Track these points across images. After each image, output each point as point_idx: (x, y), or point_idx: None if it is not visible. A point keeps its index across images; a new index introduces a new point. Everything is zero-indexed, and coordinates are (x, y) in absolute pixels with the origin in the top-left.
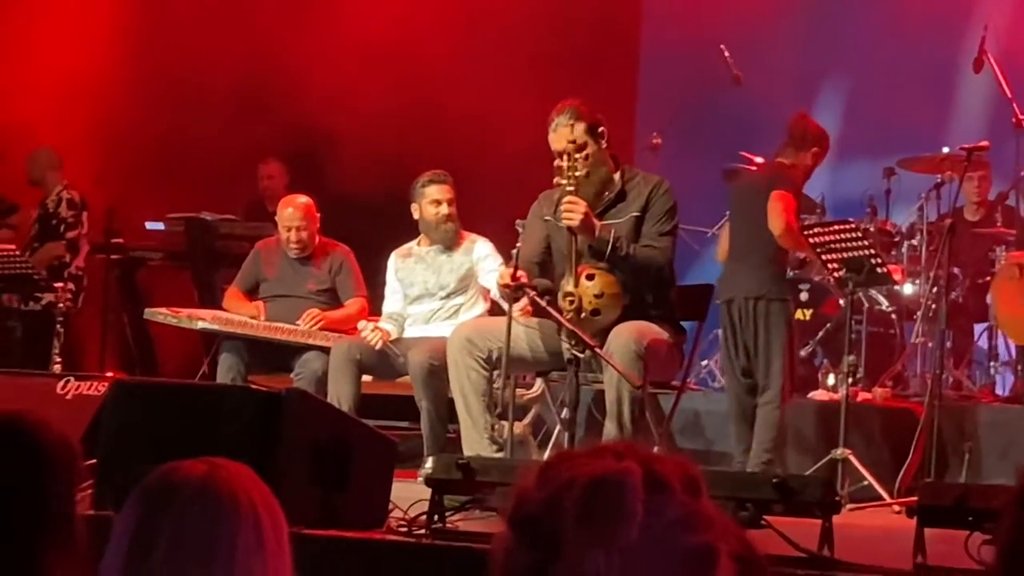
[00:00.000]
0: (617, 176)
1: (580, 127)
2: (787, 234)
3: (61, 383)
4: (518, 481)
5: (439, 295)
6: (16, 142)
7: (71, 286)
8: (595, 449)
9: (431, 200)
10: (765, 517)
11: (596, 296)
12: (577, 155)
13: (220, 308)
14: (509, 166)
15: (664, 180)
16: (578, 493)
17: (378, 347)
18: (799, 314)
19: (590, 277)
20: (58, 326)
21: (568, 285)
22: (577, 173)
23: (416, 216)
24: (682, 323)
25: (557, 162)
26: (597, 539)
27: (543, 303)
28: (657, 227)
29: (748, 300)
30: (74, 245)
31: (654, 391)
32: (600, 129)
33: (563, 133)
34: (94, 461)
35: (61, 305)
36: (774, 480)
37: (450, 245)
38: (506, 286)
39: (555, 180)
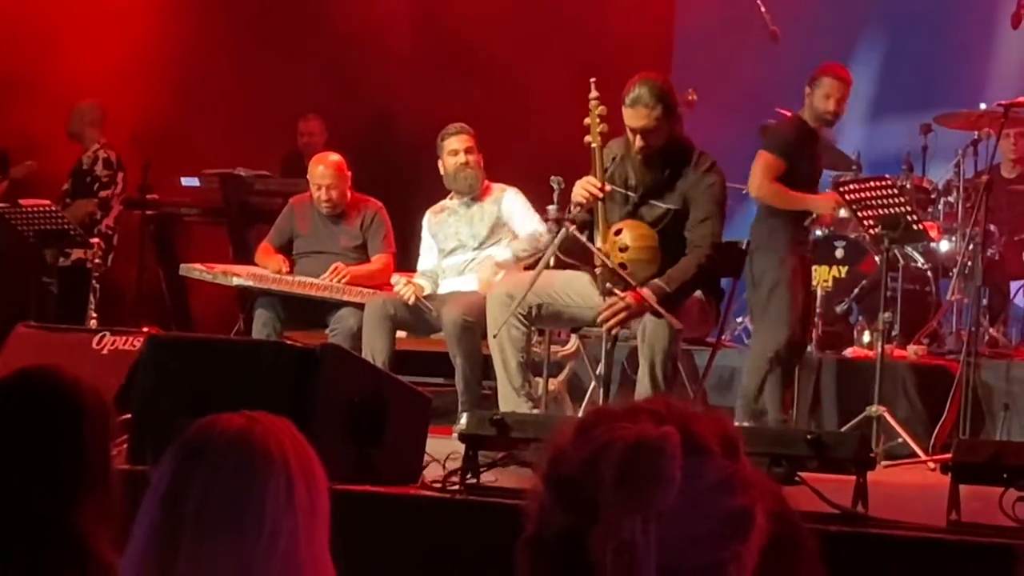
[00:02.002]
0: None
1: (657, 111)
2: (757, 194)
3: (97, 338)
4: (554, 438)
5: (471, 245)
6: (53, 96)
7: (101, 244)
8: (633, 408)
9: (450, 151)
10: (799, 473)
11: (621, 250)
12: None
13: (254, 264)
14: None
15: (713, 170)
16: (616, 458)
17: (411, 302)
18: (835, 271)
19: (618, 232)
20: (94, 282)
21: (598, 242)
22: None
23: (441, 172)
24: (719, 280)
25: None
26: (635, 505)
27: (583, 238)
28: (697, 214)
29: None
30: (106, 204)
31: (688, 348)
32: (677, 110)
33: (640, 113)
34: (129, 416)
35: (89, 265)
36: (808, 437)
37: (476, 195)
38: (547, 219)
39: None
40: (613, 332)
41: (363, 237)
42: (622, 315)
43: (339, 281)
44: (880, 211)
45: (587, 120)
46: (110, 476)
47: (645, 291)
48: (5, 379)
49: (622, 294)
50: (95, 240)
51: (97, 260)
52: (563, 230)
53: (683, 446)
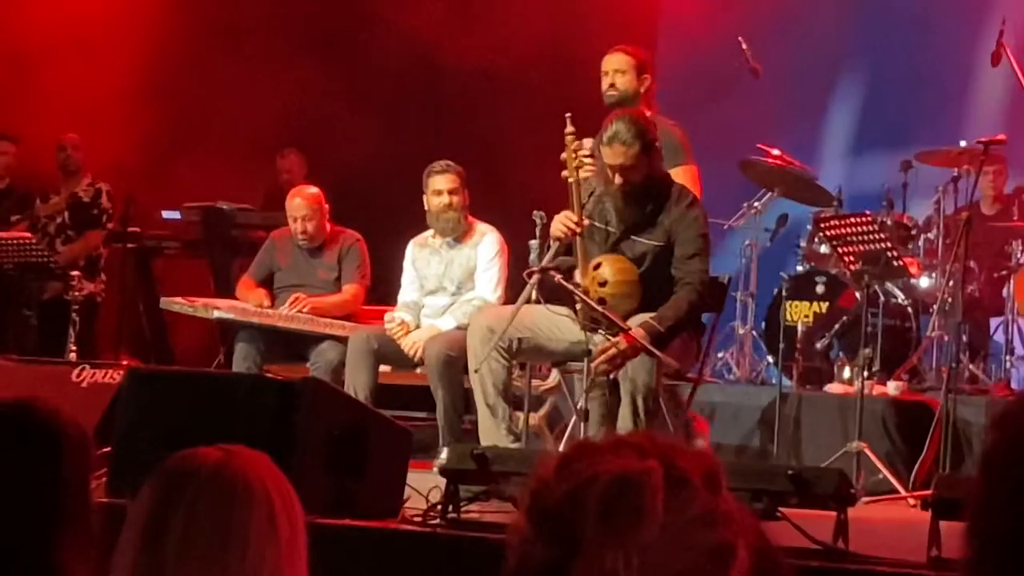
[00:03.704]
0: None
1: (635, 148)
2: None
3: (76, 371)
4: (537, 471)
5: (450, 290)
6: (33, 130)
7: (103, 277)
8: (616, 442)
9: (434, 190)
10: (780, 509)
11: (600, 284)
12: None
13: (235, 297)
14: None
15: (695, 204)
16: (599, 491)
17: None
18: (815, 306)
19: (597, 266)
20: (73, 315)
21: (578, 277)
22: (582, 171)
23: (425, 207)
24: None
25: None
26: (617, 539)
27: (570, 286)
28: (684, 250)
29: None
30: (110, 237)
31: (670, 383)
32: (656, 145)
33: (618, 151)
34: (109, 449)
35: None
36: (789, 472)
37: (458, 236)
38: (529, 273)
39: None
40: (611, 376)
41: (340, 269)
42: (616, 360)
43: (299, 311)
44: (861, 247)
45: (563, 155)
46: (89, 509)
47: (638, 331)
48: None
49: (614, 339)
50: (75, 273)
51: (102, 293)
52: (534, 280)
53: (666, 480)
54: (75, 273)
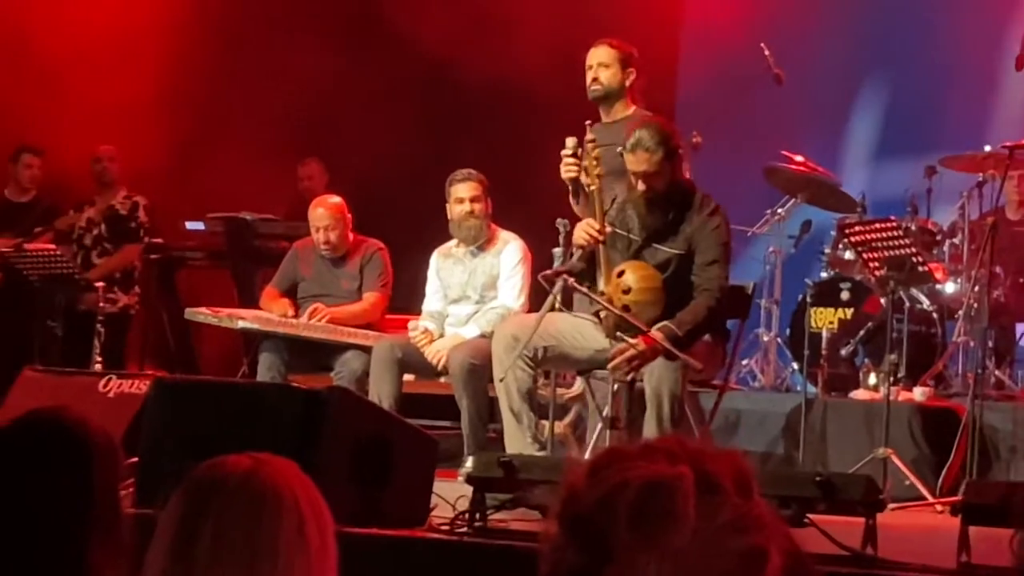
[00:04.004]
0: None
1: (659, 155)
2: None
3: (103, 381)
4: (567, 478)
5: (473, 298)
6: (57, 141)
7: (137, 289)
8: (646, 448)
9: (456, 199)
10: (808, 515)
11: (624, 292)
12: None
13: (259, 308)
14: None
15: (717, 213)
16: (630, 497)
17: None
18: (840, 313)
19: (620, 274)
20: (99, 326)
21: (601, 284)
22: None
23: (448, 216)
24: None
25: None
26: (649, 545)
27: (583, 290)
28: (704, 257)
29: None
30: (146, 249)
31: (694, 390)
32: (680, 152)
33: (641, 158)
34: (135, 459)
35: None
36: (818, 478)
37: (481, 244)
38: (544, 276)
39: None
40: (628, 377)
41: (362, 278)
42: (635, 361)
43: (318, 322)
44: (885, 253)
45: (584, 162)
46: (120, 518)
47: (656, 334)
48: (13, 421)
49: (633, 340)
50: (100, 284)
51: (103, 304)
52: (557, 287)
53: (697, 485)
54: (100, 285)
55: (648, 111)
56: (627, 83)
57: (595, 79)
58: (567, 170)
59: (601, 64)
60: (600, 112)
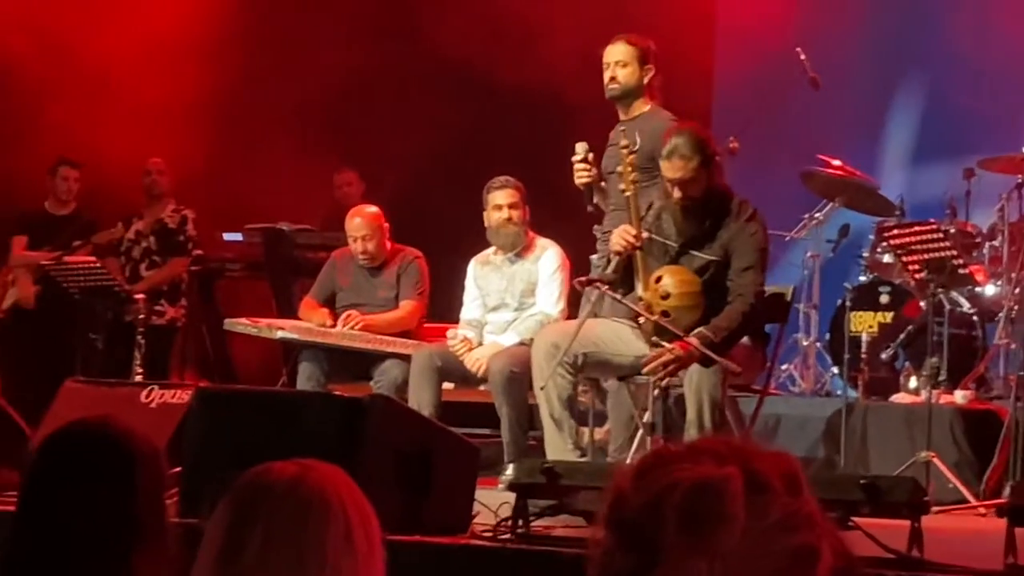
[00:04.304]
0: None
1: (694, 162)
2: None
3: (145, 392)
4: (615, 481)
5: (512, 305)
6: (96, 154)
7: (184, 302)
8: (693, 449)
9: (494, 205)
10: (852, 519)
11: (663, 297)
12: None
13: (298, 318)
14: None
15: (754, 219)
16: (679, 499)
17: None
18: (880, 316)
19: (658, 279)
20: (139, 338)
21: (639, 290)
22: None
23: (485, 224)
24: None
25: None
26: (699, 546)
27: (618, 297)
28: (739, 263)
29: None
30: (206, 267)
31: (735, 395)
32: (716, 159)
33: (677, 165)
34: (178, 469)
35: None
36: (862, 481)
37: (519, 251)
38: (578, 282)
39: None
40: (664, 382)
41: (398, 287)
42: (671, 367)
43: (352, 329)
44: (925, 256)
45: (619, 168)
46: (165, 526)
47: (692, 340)
48: (58, 430)
49: (669, 345)
50: (140, 296)
51: (142, 316)
52: (596, 296)
53: (745, 485)
54: (141, 296)
55: (666, 111)
56: (645, 80)
57: (613, 78)
58: (579, 176)
59: (619, 62)
60: (618, 110)
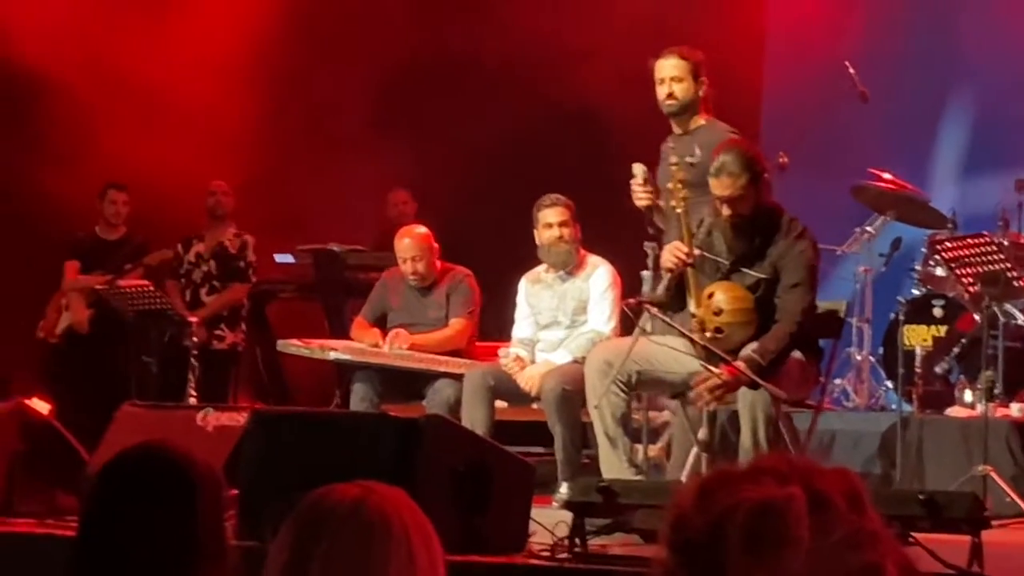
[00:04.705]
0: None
1: (743, 179)
2: None
3: (201, 415)
4: (676, 502)
5: (564, 323)
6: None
7: (243, 327)
8: (754, 468)
9: (544, 224)
10: (912, 534)
11: (715, 314)
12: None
13: (350, 338)
14: None
15: (804, 236)
16: (742, 521)
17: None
18: (933, 330)
19: (711, 295)
20: (192, 360)
21: (692, 307)
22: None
23: (537, 242)
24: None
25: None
26: (763, 568)
27: (667, 319)
28: (787, 280)
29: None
30: (256, 290)
31: (788, 411)
32: (765, 176)
33: (726, 183)
34: (236, 492)
35: (187, 343)
36: (921, 497)
37: (570, 269)
38: (627, 304)
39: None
40: (711, 407)
41: (448, 306)
42: (717, 392)
43: (397, 348)
44: (979, 268)
45: (669, 185)
46: (225, 549)
47: (740, 364)
48: (117, 455)
49: (716, 369)
50: (194, 319)
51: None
52: (644, 319)
53: (808, 504)
54: (194, 320)
55: (722, 123)
56: (700, 93)
57: (670, 94)
58: (638, 199)
59: (673, 78)
60: (672, 124)
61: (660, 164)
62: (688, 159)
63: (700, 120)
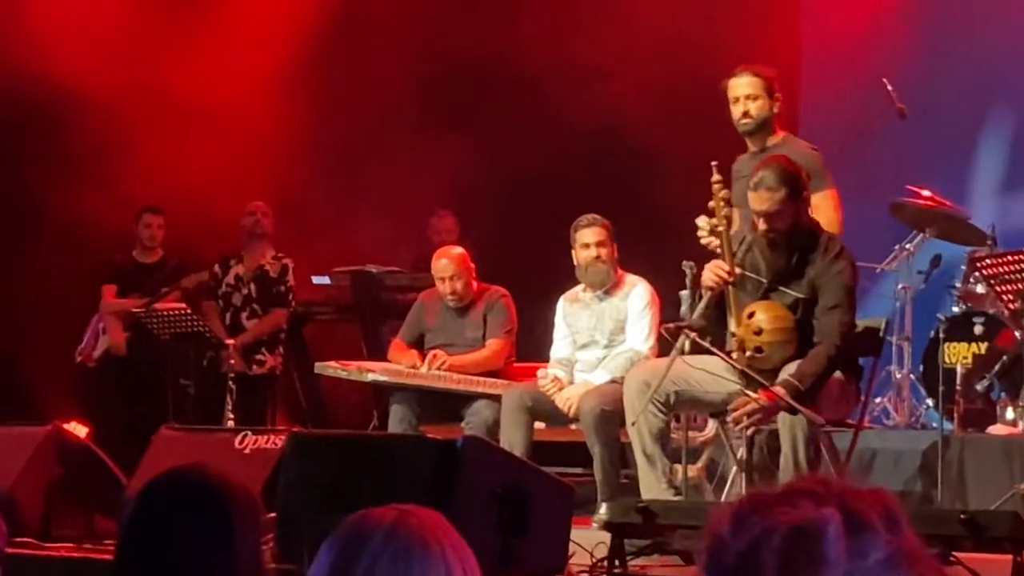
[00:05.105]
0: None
1: (781, 193)
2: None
3: (239, 437)
4: (711, 526)
5: (602, 342)
6: (181, 200)
7: (281, 351)
8: (789, 491)
9: (582, 244)
10: (954, 554)
11: (756, 333)
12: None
13: (388, 360)
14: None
15: (842, 256)
16: (778, 544)
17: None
18: (974, 347)
19: (751, 315)
20: (230, 383)
21: (732, 326)
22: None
23: (574, 262)
24: (857, 359)
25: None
26: None
27: (706, 344)
28: (825, 301)
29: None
30: (293, 313)
31: (828, 430)
32: (805, 193)
33: (763, 196)
34: (274, 515)
35: (224, 368)
36: (962, 516)
37: (608, 289)
38: (666, 328)
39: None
40: (749, 431)
41: (485, 326)
42: (756, 416)
43: (437, 368)
44: (1019, 285)
45: (711, 204)
46: (262, 573)
47: (778, 389)
48: (155, 479)
49: (754, 394)
50: (231, 342)
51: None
52: (682, 338)
53: (845, 525)
54: (230, 342)
55: (799, 139)
56: (775, 110)
57: (745, 113)
58: (710, 246)
59: (748, 96)
60: (747, 142)
61: (734, 185)
62: None
63: (776, 137)
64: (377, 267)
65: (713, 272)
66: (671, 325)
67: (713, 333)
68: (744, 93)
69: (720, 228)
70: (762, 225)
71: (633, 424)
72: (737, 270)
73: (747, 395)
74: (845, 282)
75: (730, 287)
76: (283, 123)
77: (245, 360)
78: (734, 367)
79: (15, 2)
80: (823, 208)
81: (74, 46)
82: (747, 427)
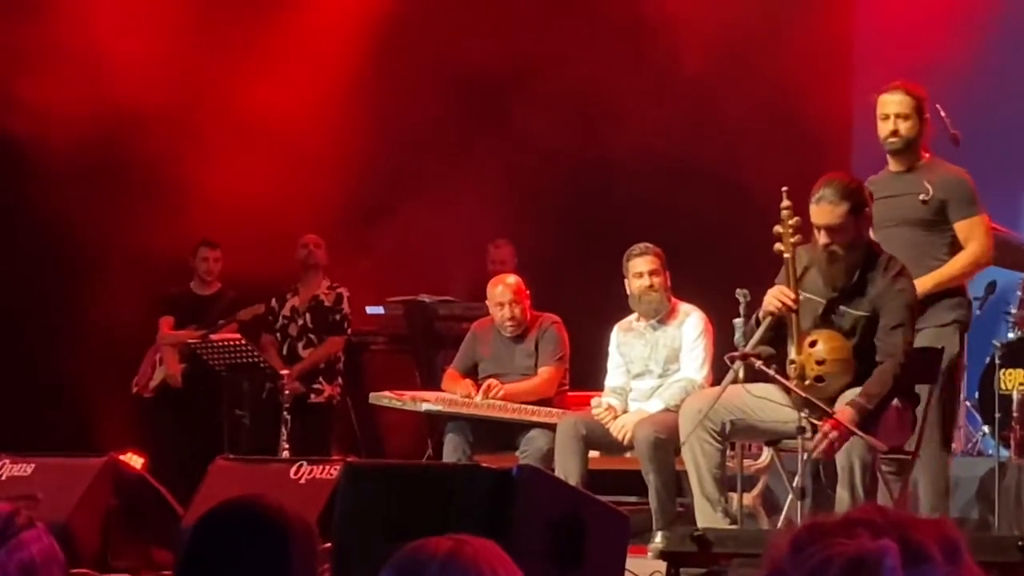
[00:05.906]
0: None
1: (842, 208)
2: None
3: (294, 468)
4: (769, 556)
5: (656, 372)
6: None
7: (340, 380)
8: (848, 521)
9: (635, 273)
10: None
11: (818, 363)
12: (831, 239)
13: (442, 389)
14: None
15: (903, 275)
16: (836, 575)
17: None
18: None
19: (812, 344)
20: (284, 413)
21: (792, 353)
22: (792, 240)
23: (627, 291)
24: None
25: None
26: None
27: (771, 372)
28: (888, 321)
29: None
30: (348, 342)
31: (886, 457)
32: (866, 210)
33: (824, 210)
34: (329, 545)
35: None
36: (1021, 543)
37: (661, 317)
38: (730, 358)
39: (776, 247)
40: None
41: (537, 354)
42: (833, 447)
43: (492, 397)
44: None
45: (778, 228)
46: None
47: (846, 412)
48: (211, 510)
49: (824, 428)
50: (285, 372)
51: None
52: (737, 365)
53: (903, 556)
54: (285, 372)
55: (948, 161)
56: (923, 130)
57: (895, 131)
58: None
59: (899, 115)
60: (890, 161)
61: (876, 201)
62: (921, 197)
63: (922, 158)
64: (430, 296)
65: (776, 297)
66: (738, 354)
67: (773, 362)
68: (895, 111)
69: (787, 255)
70: (823, 239)
71: (684, 443)
72: (801, 296)
73: (812, 422)
74: (907, 301)
75: (793, 315)
76: (340, 156)
77: (303, 386)
78: (798, 395)
79: (79, 32)
80: (976, 234)
81: (135, 79)
82: (828, 458)
